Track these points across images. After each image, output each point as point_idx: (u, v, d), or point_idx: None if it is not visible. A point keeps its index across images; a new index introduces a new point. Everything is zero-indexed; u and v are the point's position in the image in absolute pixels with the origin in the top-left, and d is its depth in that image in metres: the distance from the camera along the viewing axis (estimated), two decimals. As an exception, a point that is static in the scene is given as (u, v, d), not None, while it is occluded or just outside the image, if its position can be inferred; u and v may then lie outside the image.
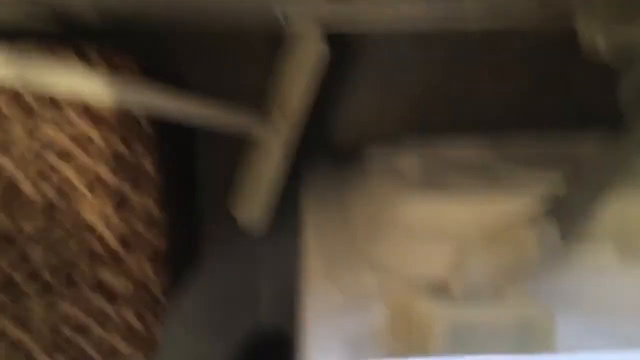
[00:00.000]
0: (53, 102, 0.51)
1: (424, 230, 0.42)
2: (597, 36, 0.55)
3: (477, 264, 0.31)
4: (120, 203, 0.53)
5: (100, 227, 0.54)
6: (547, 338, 0.29)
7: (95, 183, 0.53)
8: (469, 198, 0.45)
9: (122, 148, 0.53)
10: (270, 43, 0.76)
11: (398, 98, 0.83)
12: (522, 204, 0.37)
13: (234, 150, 0.77)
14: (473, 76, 0.81)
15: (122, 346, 0.57)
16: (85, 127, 0.52)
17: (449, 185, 0.50)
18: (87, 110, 0.52)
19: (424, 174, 0.55)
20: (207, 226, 0.85)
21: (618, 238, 0.40)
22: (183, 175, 0.75)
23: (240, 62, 0.81)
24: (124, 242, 0.54)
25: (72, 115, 0.52)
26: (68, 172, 0.52)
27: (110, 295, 0.56)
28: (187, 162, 0.77)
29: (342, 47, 0.76)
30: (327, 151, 0.83)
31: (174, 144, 0.68)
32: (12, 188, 0.51)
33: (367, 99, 0.83)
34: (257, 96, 0.77)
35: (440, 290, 0.31)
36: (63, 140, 0.51)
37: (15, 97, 0.51)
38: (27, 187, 0.51)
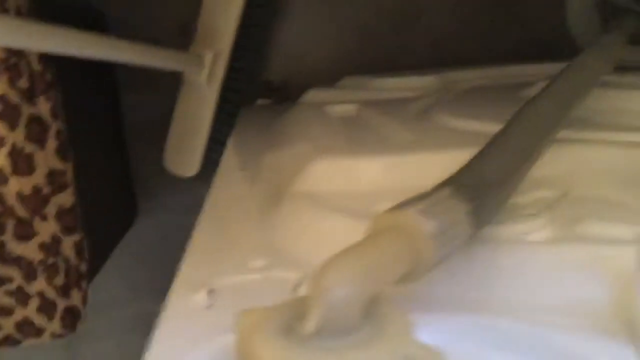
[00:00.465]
0: None
1: (329, 197, 0.34)
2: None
3: (343, 284, 0.21)
4: (16, 157, 0.46)
5: (-5, 187, 0.47)
6: None
7: (-17, 136, 0.45)
8: (390, 158, 0.37)
9: (12, 94, 0.46)
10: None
11: (343, 26, 0.76)
12: (442, 169, 0.28)
13: (164, 95, 0.70)
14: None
15: (38, 319, 0.51)
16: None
17: (378, 138, 0.42)
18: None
19: (356, 122, 0.47)
20: (145, 179, 0.78)
21: (554, 201, 0.32)
22: (102, 123, 0.67)
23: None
24: (24, 202, 0.48)
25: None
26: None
27: (18, 264, 0.49)
28: (107, 109, 0.69)
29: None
30: (267, 91, 0.76)
31: (85, 90, 0.61)
32: None
33: (310, 29, 0.76)
34: (183, 33, 0.70)
35: (293, 318, 0.21)
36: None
37: None
38: None
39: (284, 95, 0.75)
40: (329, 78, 0.64)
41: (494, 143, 0.30)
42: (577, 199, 0.31)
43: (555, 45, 0.63)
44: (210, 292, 0.30)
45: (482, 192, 0.27)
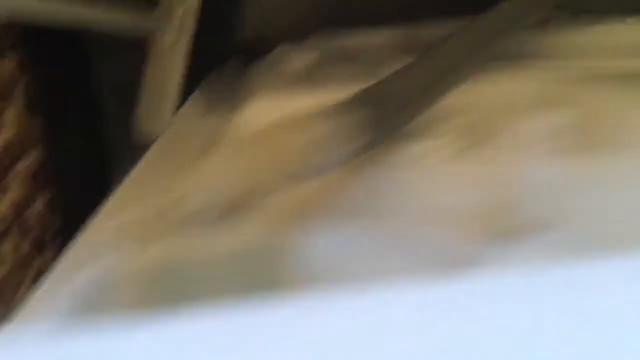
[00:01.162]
0: None
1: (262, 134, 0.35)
2: None
3: (212, 180, 0.24)
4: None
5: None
6: (275, 272, 0.23)
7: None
8: (326, 94, 0.37)
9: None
10: None
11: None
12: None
13: (135, 55, 0.69)
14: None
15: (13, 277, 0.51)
16: None
17: (332, 81, 0.43)
18: None
19: (314, 71, 0.48)
20: (118, 141, 0.78)
21: (463, 126, 0.33)
22: (71, 83, 0.67)
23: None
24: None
25: None
26: None
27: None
28: (77, 69, 0.69)
29: None
30: (237, 51, 0.76)
31: (52, 47, 0.60)
32: None
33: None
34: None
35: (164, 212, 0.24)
36: None
37: None
38: None
39: (257, 53, 0.75)
40: (302, 36, 0.65)
41: (406, 65, 0.32)
42: (488, 124, 0.33)
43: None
44: None
45: (385, 101, 0.29)
